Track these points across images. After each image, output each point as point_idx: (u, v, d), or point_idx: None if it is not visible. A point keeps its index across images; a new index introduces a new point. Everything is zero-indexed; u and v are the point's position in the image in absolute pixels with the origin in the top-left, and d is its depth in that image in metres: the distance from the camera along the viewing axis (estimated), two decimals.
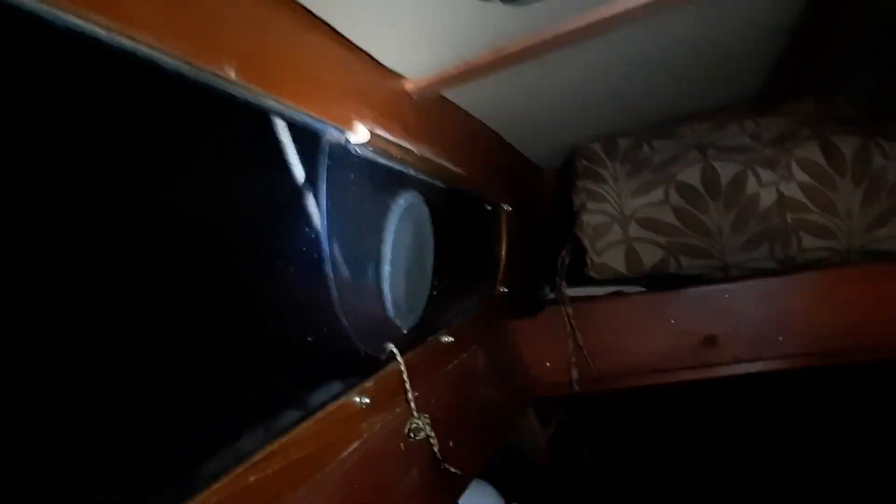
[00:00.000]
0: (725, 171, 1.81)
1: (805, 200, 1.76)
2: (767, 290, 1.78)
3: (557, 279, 1.94)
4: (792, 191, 1.76)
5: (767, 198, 1.77)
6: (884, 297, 1.75)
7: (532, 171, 2.34)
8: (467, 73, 1.18)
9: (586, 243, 1.93)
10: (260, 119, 0.87)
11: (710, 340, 1.81)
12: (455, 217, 1.59)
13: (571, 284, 1.97)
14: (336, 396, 1.00)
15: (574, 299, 1.92)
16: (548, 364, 1.95)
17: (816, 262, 1.81)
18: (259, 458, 0.77)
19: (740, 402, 2.62)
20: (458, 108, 1.53)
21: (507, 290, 1.90)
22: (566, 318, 1.90)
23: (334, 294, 1.06)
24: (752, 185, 1.78)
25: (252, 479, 0.75)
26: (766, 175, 1.78)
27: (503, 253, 1.88)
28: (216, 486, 0.69)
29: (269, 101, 0.81)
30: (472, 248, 1.79)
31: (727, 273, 1.87)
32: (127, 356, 0.64)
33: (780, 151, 1.79)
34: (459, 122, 1.57)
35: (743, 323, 1.80)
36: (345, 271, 1.10)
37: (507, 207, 1.88)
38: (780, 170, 1.78)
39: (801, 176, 1.76)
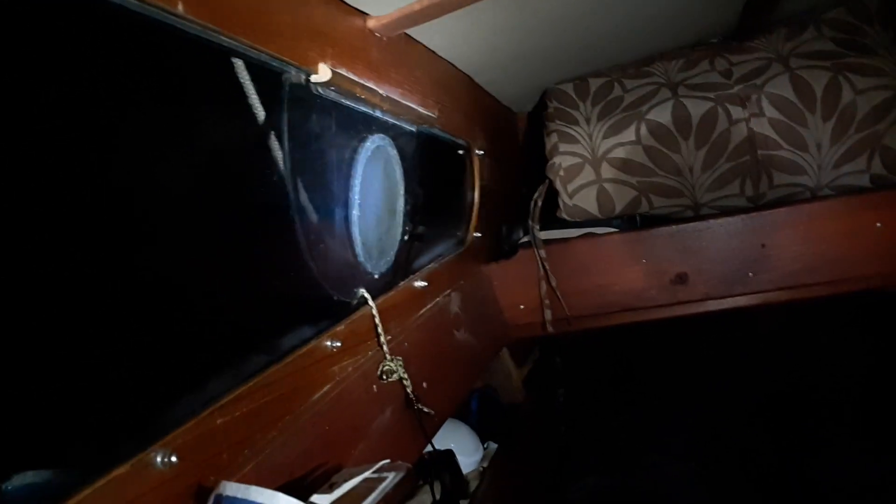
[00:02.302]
0: (696, 108, 1.81)
1: (775, 137, 1.76)
2: (738, 228, 1.79)
3: (530, 222, 1.94)
4: (762, 127, 1.77)
5: (738, 135, 1.77)
6: (852, 231, 1.76)
7: (505, 115, 2.32)
8: (431, 9, 1.15)
9: (558, 185, 1.92)
10: (215, 58, 0.84)
11: (681, 278, 1.82)
12: (426, 161, 1.58)
13: (544, 227, 1.97)
14: (306, 341, 1.00)
15: (547, 242, 1.93)
16: (522, 306, 1.96)
17: (786, 198, 1.82)
18: (226, 401, 0.77)
19: (715, 342, 2.67)
20: (426, 48, 1.50)
21: (480, 235, 1.90)
22: (539, 261, 1.90)
23: (301, 239, 1.05)
24: (722, 123, 1.78)
25: (219, 421, 0.75)
26: (736, 112, 1.78)
27: (476, 197, 1.87)
28: (182, 428, 0.69)
29: (222, 39, 0.78)
30: (444, 192, 1.78)
31: (698, 212, 1.88)
32: (91, 300, 0.64)
33: (751, 88, 1.79)
34: (428, 64, 1.54)
35: (714, 261, 1.81)
36: (311, 216, 1.09)
37: (479, 151, 1.87)
38: (751, 106, 1.77)
39: (772, 112, 1.76)
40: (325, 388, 1.01)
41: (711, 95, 1.81)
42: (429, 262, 1.60)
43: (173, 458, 0.66)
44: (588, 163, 1.88)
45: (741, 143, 1.77)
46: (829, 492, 1.81)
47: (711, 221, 1.81)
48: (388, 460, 0.85)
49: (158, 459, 0.65)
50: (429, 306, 1.51)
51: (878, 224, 1.74)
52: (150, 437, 0.66)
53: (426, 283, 1.50)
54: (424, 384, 1.31)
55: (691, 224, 1.83)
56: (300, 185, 1.02)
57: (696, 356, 2.71)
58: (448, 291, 1.64)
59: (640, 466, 2.16)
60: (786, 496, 1.89)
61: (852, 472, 1.90)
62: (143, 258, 0.72)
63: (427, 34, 1.40)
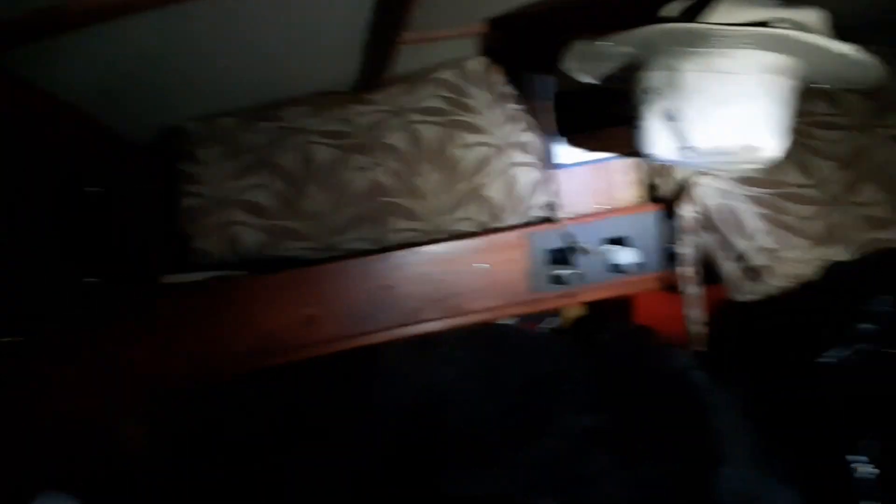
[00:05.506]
0: (322, 155, 1.88)
1: (394, 184, 1.90)
2: (363, 269, 1.89)
3: (156, 267, 1.81)
4: (382, 175, 1.89)
5: (361, 182, 1.88)
6: (463, 271, 1.97)
7: (127, 154, 2.15)
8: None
9: (186, 228, 1.83)
10: None
11: (312, 320, 1.86)
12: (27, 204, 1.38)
13: (178, 270, 1.86)
14: None
15: (173, 287, 1.82)
16: (143, 363, 1.80)
17: (406, 241, 1.97)
18: None
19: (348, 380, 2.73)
20: (12, 75, 1.32)
21: (94, 280, 1.73)
22: (168, 310, 1.78)
23: None
24: (347, 170, 1.87)
25: None
26: (359, 160, 1.89)
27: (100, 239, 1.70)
28: None
29: None
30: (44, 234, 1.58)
31: (327, 254, 1.94)
32: None
33: (372, 138, 1.91)
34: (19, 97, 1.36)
35: (342, 301, 1.89)
36: None
37: (96, 189, 1.70)
38: (372, 155, 1.89)
39: (390, 162, 1.90)
40: None
41: (336, 143, 1.90)
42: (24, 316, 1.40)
43: None
44: (215, 205, 1.83)
45: (364, 191, 1.87)
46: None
47: (339, 263, 1.89)
48: None
49: None
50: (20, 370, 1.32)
51: (486, 265, 1.98)
52: None
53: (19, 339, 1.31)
54: None
55: (321, 266, 1.89)
56: None
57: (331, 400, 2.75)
58: (51, 351, 1.45)
59: None
60: None
61: (482, 484, 2.07)
62: None
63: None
